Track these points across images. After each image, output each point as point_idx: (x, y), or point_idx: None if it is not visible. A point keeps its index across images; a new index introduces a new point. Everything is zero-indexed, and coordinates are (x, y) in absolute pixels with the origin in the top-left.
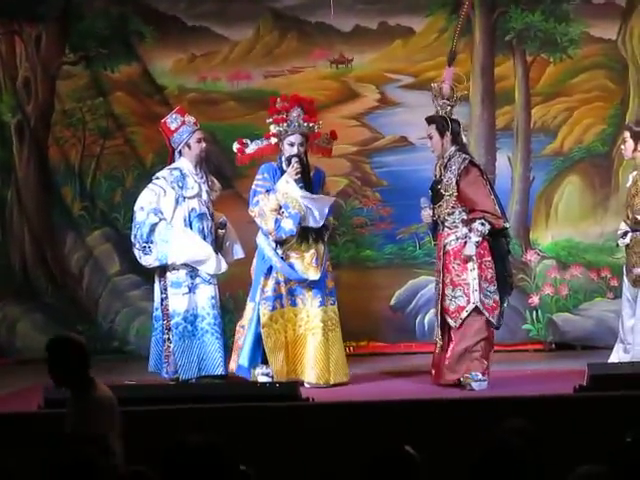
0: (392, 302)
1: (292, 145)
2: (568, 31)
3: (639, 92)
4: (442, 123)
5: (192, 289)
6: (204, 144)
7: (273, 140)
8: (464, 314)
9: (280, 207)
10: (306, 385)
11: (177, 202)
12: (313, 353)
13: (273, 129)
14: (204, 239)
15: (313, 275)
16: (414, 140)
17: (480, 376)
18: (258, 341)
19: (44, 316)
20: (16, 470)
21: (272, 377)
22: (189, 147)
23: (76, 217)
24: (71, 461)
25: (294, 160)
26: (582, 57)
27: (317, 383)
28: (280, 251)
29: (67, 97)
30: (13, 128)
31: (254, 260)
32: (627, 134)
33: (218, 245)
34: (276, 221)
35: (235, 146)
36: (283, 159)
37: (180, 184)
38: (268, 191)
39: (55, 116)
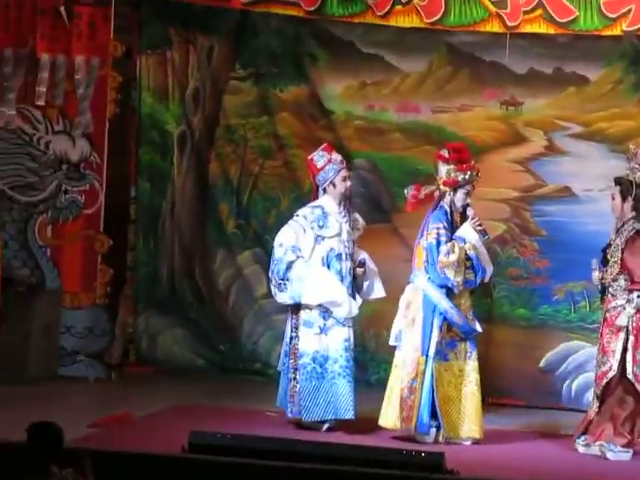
0: (542, 364)
1: (467, 194)
2: None
3: None
4: (628, 187)
5: (324, 330)
6: (349, 182)
7: (445, 188)
8: (604, 381)
9: (468, 258)
10: (464, 442)
11: (316, 241)
12: (477, 407)
13: (459, 177)
14: (341, 280)
15: (478, 327)
16: (578, 192)
17: (619, 447)
18: (433, 396)
19: (186, 331)
20: None
21: (443, 429)
22: (334, 185)
23: (229, 234)
24: None
25: (472, 211)
26: None
27: (480, 438)
28: None
29: (232, 113)
30: (176, 138)
31: (416, 307)
32: None
33: (357, 285)
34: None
35: (410, 192)
36: (446, 206)
37: (320, 223)
38: (451, 240)
39: (219, 131)
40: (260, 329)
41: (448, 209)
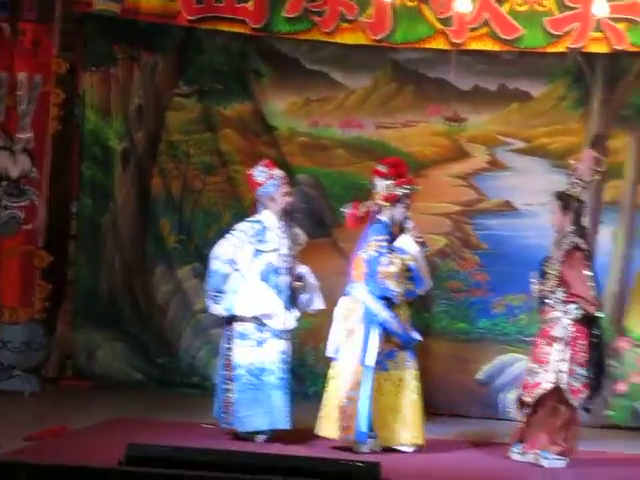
0: (478, 376)
1: (407, 208)
2: None
3: None
4: (568, 201)
5: (260, 343)
6: (289, 198)
7: (385, 203)
8: (539, 391)
9: (408, 269)
10: (406, 449)
11: (254, 255)
12: (419, 415)
13: (398, 191)
14: (279, 294)
15: (417, 335)
16: (519, 206)
17: (554, 455)
18: (372, 406)
19: (125, 345)
20: None
21: (377, 438)
22: (274, 201)
23: (170, 249)
24: None
25: (412, 224)
26: None
27: (422, 445)
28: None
29: (175, 129)
30: (118, 154)
31: (356, 319)
32: None
33: (294, 298)
34: None
35: (349, 210)
36: (386, 219)
37: (259, 238)
38: (392, 251)
39: (161, 147)
40: (198, 343)
41: (388, 222)
